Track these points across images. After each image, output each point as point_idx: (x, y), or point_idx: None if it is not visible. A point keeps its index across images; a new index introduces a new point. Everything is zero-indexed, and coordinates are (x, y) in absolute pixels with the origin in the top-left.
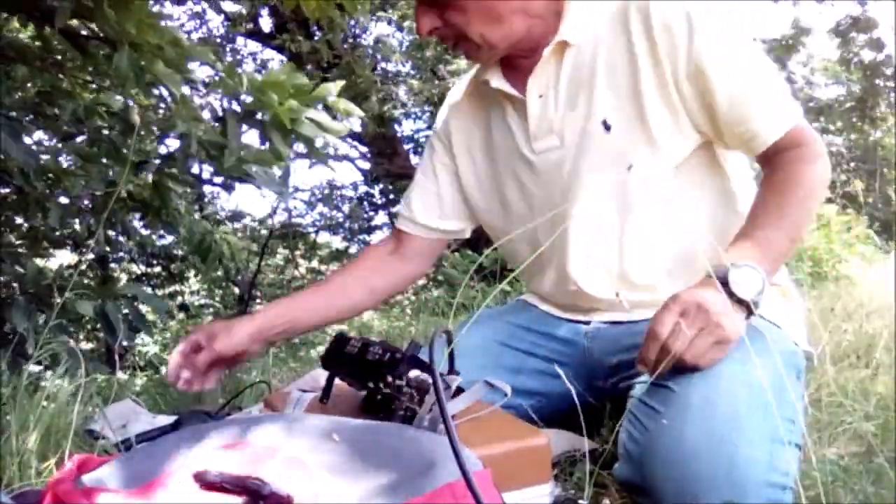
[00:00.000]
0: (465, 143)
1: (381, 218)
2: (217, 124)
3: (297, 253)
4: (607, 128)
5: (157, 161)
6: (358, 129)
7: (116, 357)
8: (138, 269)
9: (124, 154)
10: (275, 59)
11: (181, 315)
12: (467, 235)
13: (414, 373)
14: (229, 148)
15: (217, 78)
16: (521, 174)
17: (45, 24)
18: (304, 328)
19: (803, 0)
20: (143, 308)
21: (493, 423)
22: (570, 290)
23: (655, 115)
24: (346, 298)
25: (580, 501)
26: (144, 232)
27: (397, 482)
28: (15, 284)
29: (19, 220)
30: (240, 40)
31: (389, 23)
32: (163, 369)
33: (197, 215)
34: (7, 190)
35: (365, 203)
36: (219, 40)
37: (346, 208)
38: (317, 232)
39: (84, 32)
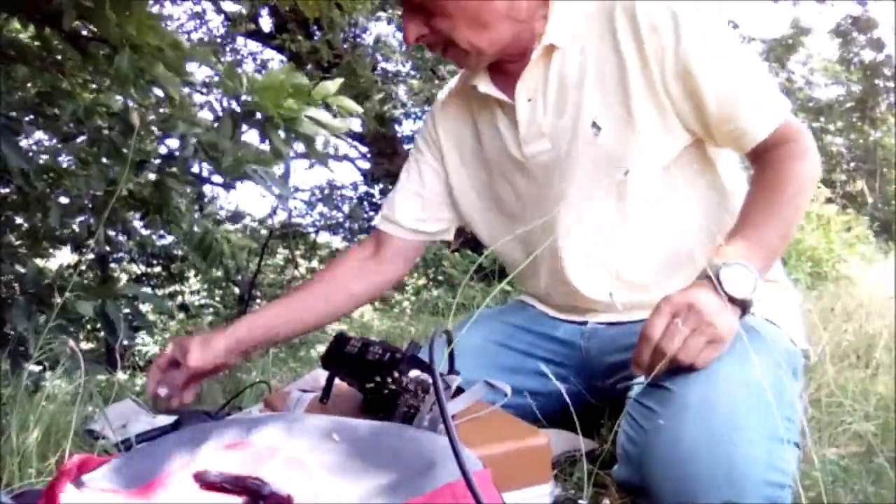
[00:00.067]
0: (454, 146)
1: None
2: (217, 123)
3: (297, 253)
4: (597, 130)
5: (158, 161)
6: (358, 128)
7: (117, 356)
8: (138, 269)
9: (124, 154)
10: (275, 60)
11: (181, 315)
12: (449, 237)
13: (414, 373)
14: (222, 148)
15: (217, 78)
16: (512, 177)
17: (46, 26)
18: (284, 337)
19: (803, 0)
20: (144, 307)
21: (493, 423)
22: (565, 292)
23: (644, 116)
24: (325, 305)
25: (580, 501)
26: (144, 232)
27: (397, 482)
28: (15, 284)
29: (19, 220)
30: (240, 40)
31: (389, 22)
32: None
33: (197, 215)
34: (7, 190)
35: (365, 203)
36: (219, 40)
37: (346, 208)
38: (317, 232)
39: (84, 33)
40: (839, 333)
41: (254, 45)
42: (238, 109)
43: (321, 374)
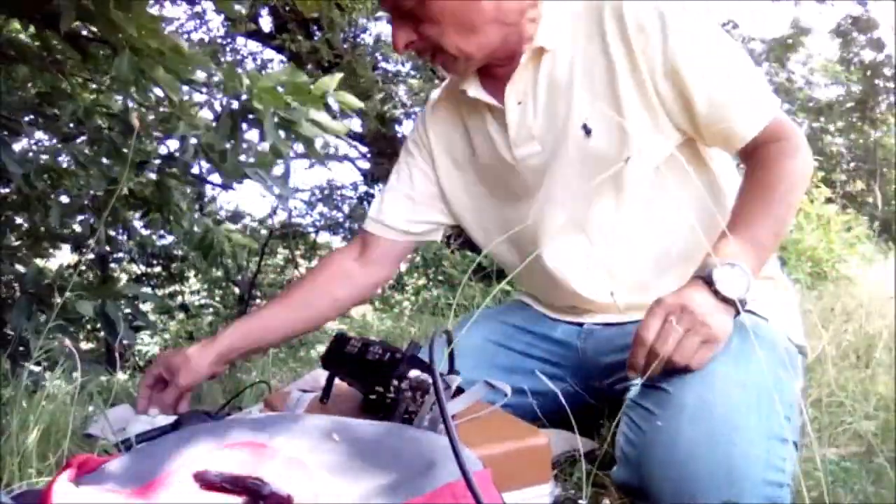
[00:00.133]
0: (445, 149)
1: None
2: (217, 123)
3: (297, 253)
4: (587, 132)
5: (158, 161)
6: (358, 129)
7: (117, 356)
8: (138, 269)
9: (125, 154)
10: (275, 60)
11: (181, 315)
12: (437, 238)
13: (414, 373)
14: (222, 149)
15: (216, 79)
16: (503, 180)
17: (46, 27)
18: (267, 345)
19: (803, 0)
20: (144, 307)
21: (493, 423)
22: (560, 293)
23: (635, 116)
24: (309, 312)
25: (580, 501)
26: (144, 232)
27: (397, 482)
28: (15, 284)
29: (19, 221)
30: (240, 40)
31: (389, 22)
32: None
33: (196, 215)
34: (7, 190)
35: (365, 203)
36: (219, 40)
37: (346, 208)
38: (317, 232)
39: (84, 33)
40: (839, 333)
41: (254, 45)
42: (238, 109)
43: (321, 374)
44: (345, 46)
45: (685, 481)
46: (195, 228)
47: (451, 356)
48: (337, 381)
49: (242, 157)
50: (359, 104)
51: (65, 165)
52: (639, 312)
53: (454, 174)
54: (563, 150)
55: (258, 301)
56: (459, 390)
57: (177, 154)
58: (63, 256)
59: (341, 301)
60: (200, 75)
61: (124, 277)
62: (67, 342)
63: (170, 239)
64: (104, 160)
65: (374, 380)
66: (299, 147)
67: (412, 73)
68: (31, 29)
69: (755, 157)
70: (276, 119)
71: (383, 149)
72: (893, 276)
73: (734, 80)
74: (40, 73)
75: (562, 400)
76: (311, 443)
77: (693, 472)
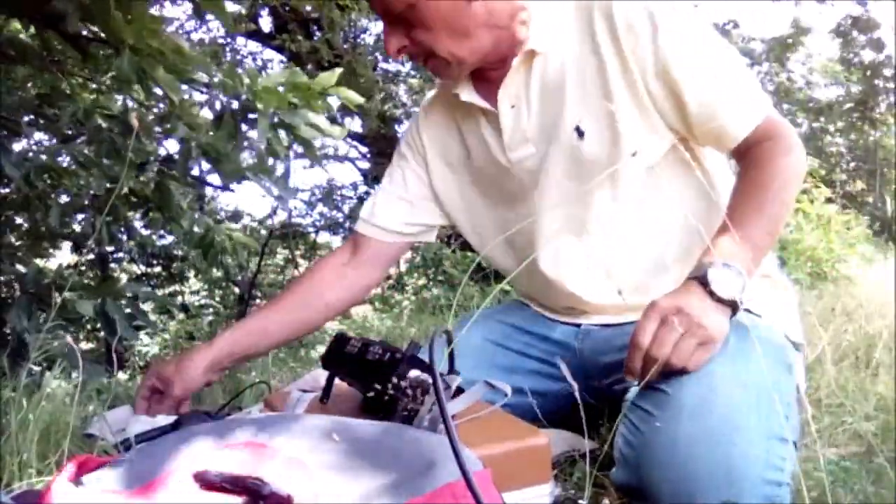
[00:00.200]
0: (439, 153)
1: None
2: (218, 123)
3: (297, 253)
4: (580, 134)
5: (158, 161)
6: (359, 129)
7: (114, 356)
8: (138, 269)
9: (125, 154)
10: (275, 60)
11: (181, 315)
12: (430, 239)
13: (414, 373)
14: (224, 151)
15: (216, 80)
16: (498, 182)
17: (47, 28)
18: (261, 351)
19: (803, 0)
20: (145, 307)
21: (493, 423)
22: (557, 294)
23: (627, 117)
24: (302, 316)
25: (580, 501)
26: (145, 232)
27: (397, 482)
28: (15, 284)
29: (19, 221)
30: (240, 40)
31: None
32: None
33: (197, 214)
34: (7, 190)
35: (365, 203)
36: (219, 41)
37: (346, 208)
38: (317, 232)
39: (84, 33)
40: (839, 333)
41: (254, 45)
42: (237, 107)
43: (321, 374)
44: (345, 46)
45: (685, 481)
46: (195, 228)
47: (451, 356)
48: (337, 381)
49: (244, 155)
50: (360, 99)
51: (65, 165)
52: (636, 313)
53: (449, 177)
54: (557, 153)
55: (258, 301)
56: (459, 390)
57: (176, 157)
58: (63, 256)
59: (333, 304)
60: (201, 76)
61: (124, 277)
62: (69, 339)
63: (170, 239)
64: (104, 160)
65: (374, 380)
66: (299, 147)
67: (412, 73)
68: (32, 29)
69: (748, 156)
70: (275, 119)
71: (383, 149)
72: (893, 276)
73: (725, 79)
74: (40, 73)
75: (570, 399)
76: (311, 443)
77: (692, 472)
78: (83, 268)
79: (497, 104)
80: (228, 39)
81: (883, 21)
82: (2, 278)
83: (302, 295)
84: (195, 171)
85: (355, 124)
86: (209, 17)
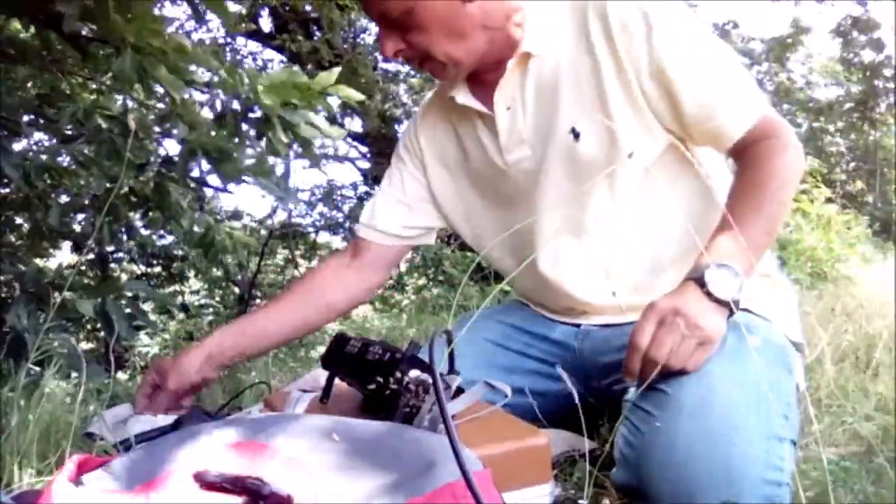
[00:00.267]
0: (436, 156)
1: None
2: (217, 122)
3: (297, 253)
4: (576, 135)
5: (158, 161)
6: (359, 129)
7: (111, 356)
8: (138, 269)
9: (123, 153)
10: (275, 60)
11: (181, 315)
12: (430, 242)
13: (414, 373)
14: (226, 150)
15: (217, 79)
16: (496, 184)
17: (48, 28)
18: (259, 350)
19: (803, 0)
20: (145, 307)
21: (493, 423)
22: (555, 295)
23: (622, 117)
24: (302, 315)
25: (580, 501)
26: (145, 232)
27: (397, 482)
28: (15, 284)
29: (19, 220)
30: (240, 40)
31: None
32: None
33: (197, 214)
34: (7, 190)
35: (365, 203)
36: (220, 41)
37: (346, 208)
38: (317, 232)
39: (84, 33)
40: (839, 334)
41: (254, 45)
42: (238, 108)
43: (321, 374)
44: (345, 46)
45: (684, 482)
46: (196, 228)
47: (451, 356)
48: (337, 381)
49: (248, 152)
50: (360, 97)
51: (65, 165)
52: (636, 313)
53: (447, 180)
54: (554, 154)
55: (258, 301)
56: (459, 390)
57: (175, 159)
58: (63, 256)
59: (334, 305)
60: (202, 75)
61: (124, 277)
62: (73, 342)
63: (170, 239)
64: (104, 161)
65: (375, 380)
66: (300, 147)
67: (412, 72)
68: (32, 29)
69: (745, 155)
70: (276, 119)
71: (383, 149)
72: (893, 276)
73: (721, 78)
74: (40, 73)
75: (568, 399)
76: (311, 443)
77: (692, 472)
78: (83, 267)
79: (493, 107)
80: (228, 39)
81: (883, 21)
82: (2, 278)
83: (302, 294)
84: (195, 173)
85: (355, 124)
86: (209, 17)
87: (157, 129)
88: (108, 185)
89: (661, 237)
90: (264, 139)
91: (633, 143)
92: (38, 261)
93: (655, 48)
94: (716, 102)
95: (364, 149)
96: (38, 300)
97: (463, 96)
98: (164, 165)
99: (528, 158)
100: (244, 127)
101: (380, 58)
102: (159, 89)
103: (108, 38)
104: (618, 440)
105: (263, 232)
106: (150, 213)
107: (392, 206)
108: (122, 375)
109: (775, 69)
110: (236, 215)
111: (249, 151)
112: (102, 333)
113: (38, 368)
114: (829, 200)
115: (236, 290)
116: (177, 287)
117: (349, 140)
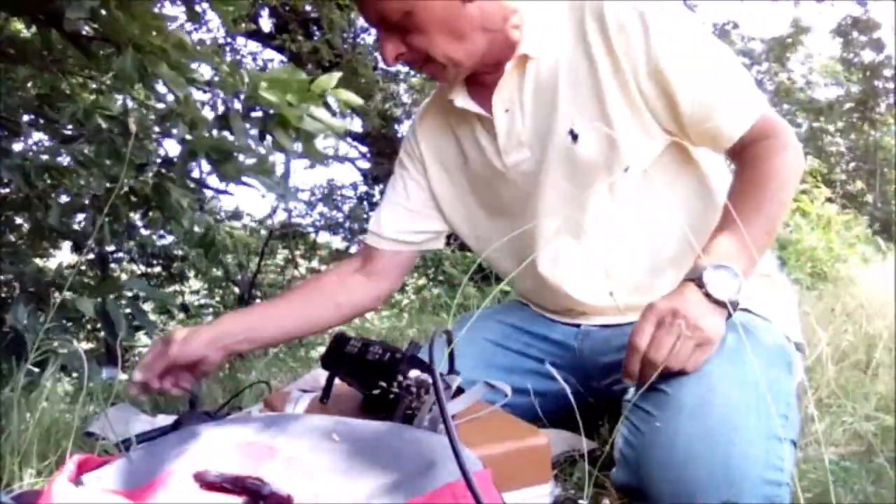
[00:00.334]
0: (436, 159)
1: None
2: (219, 122)
3: (297, 253)
4: (574, 137)
5: (157, 161)
6: (359, 128)
7: (119, 354)
8: (138, 269)
9: (123, 153)
10: (275, 60)
11: (181, 315)
12: (439, 246)
13: (414, 373)
14: (231, 149)
15: (217, 78)
16: (495, 186)
17: (49, 27)
18: (266, 340)
19: (803, 0)
20: (146, 307)
21: (493, 423)
22: (555, 296)
23: (621, 118)
24: (310, 311)
25: (580, 501)
26: (145, 232)
27: (397, 482)
28: (15, 283)
29: (19, 220)
30: (240, 40)
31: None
32: None
33: (197, 213)
34: (7, 190)
35: (365, 203)
36: (220, 41)
37: (346, 208)
38: (317, 232)
39: (85, 32)
40: (839, 334)
41: (254, 45)
42: (239, 108)
43: (321, 374)
44: (345, 46)
45: (684, 482)
46: (196, 228)
47: (451, 356)
48: (337, 381)
49: (242, 157)
50: (358, 101)
51: (65, 165)
52: (636, 314)
53: (446, 183)
54: (552, 156)
55: (258, 301)
56: (459, 390)
57: (176, 160)
58: (63, 256)
59: (343, 305)
60: (203, 74)
61: (124, 277)
62: (75, 344)
63: (170, 239)
64: (105, 161)
65: (374, 380)
66: (299, 147)
67: (412, 72)
68: (33, 28)
69: (744, 155)
70: (282, 117)
71: (383, 149)
72: (893, 276)
73: (719, 78)
74: (40, 73)
75: (567, 399)
76: (311, 443)
77: (692, 472)
78: (83, 267)
79: (491, 109)
80: (228, 39)
81: (883, 21)
82: (2, 278)
83: (311, 292)
84: (195, 174)
85: (355, 124)
86: (209, 17)
87: (157, 129)
88: (108, 185)
89: (661, 238)
90: (266, 138)
91: (631, 144)
92: (38, 260)
93: (652, 48)
94: (714, 102)
95: (364, 149)
96: (38, 300)
97: (461, 99)
98: (164, 165)
99: (527, 160)
100: (246, 126)
101: (380, 57)
102: (160, 88)
103: (110, 37)
104: (618, 440)
105: (263, 232)
106: (150, 213)
107: (398, 213)
108: (122, 375)
109: (775, 69)
110: (236, 215)
111: (251, 150)
112: (102, 333)
113: (37, 369)
114: (829, 200)
115: (236, 290)
116: (177, 287)
117: (349, 140)
